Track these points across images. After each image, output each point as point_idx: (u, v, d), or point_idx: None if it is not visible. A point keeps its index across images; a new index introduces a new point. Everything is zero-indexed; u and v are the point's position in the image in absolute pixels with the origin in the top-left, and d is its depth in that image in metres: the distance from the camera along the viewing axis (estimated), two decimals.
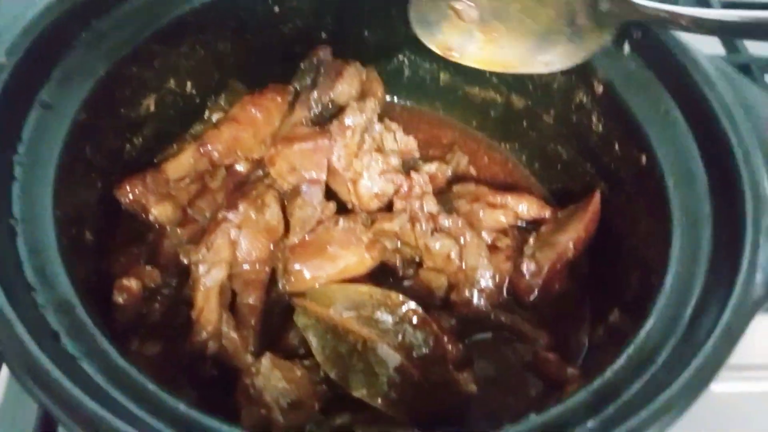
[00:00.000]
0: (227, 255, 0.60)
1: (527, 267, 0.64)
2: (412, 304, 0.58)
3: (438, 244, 0.63)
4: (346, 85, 0.70)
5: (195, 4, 0.62)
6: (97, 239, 0.59)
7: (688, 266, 0.51)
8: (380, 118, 0.71)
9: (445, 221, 0.64)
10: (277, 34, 0.70)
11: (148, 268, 0.60)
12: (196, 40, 0.66)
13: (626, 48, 0.63)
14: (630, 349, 0.47)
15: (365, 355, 0.56)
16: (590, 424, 0.41)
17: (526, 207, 0.69)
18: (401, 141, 0.69)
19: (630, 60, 0.63)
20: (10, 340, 0.40)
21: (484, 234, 0.66)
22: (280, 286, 0.62)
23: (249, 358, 0.57)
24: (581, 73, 0.65)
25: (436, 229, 0.64)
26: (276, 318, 0.62)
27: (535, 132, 0.75)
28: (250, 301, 0.61)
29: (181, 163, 0.66)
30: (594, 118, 0.66)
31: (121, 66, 0.59)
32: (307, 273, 0.61)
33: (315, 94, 0.70)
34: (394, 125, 0.70)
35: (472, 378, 0.58)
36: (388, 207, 0.66)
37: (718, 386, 0.68)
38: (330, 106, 0.70)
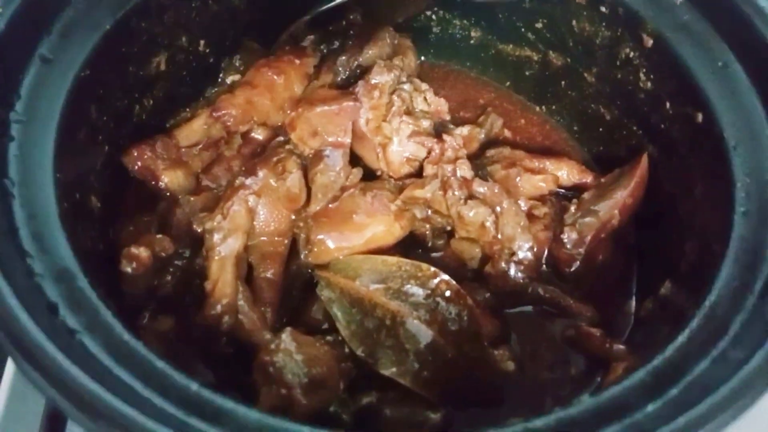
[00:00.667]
0: (244, 223, 0.55)
1: (568, 236, 0.59)
2: (445, 276, 0.54)
3: (472, 212, 0.58)
4: (376, 49, 0.66)
5: None
6: (103, 206, 0.54)
7: (754, 232, 0.46)
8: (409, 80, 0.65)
9: (480, 188, 0.59)
10: None
11: (159, 236, 0.56)
12: None
13: None
14: (693, 324, 0.42)
15: (394, 330, 0.52)
16: (651, 407, 0.36)
17: (566, 172, 0.64)
18: (432, 102, 0.64)
19: (682, 9, 0.57)
20: (2, 312, 0.36)
21: (521, 202, 0.61)
22: (302, 257, 0.57)
23: (267, 335, 0.53)
24: (627, 25, 0.60)
25: (470, 196, 0.59)
26: (297, 292, 0.58)
27: (575, 92, 0.69)
28: (269, 275, 0.56)
29: (193, 129, 0.61)
30: (642, 75, 0.61)
31: (129, 19, 0.54)
32: (331, 243, 0.57)
33: (342, 58, 0.65)
34: (424, 85, 0.65)
35: (510, 355, 0.54)
36: (419, 173, 0.61)
37: None
38: (357, 72, 0.66)
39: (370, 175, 0.62)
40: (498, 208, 0.58)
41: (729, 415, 0.35)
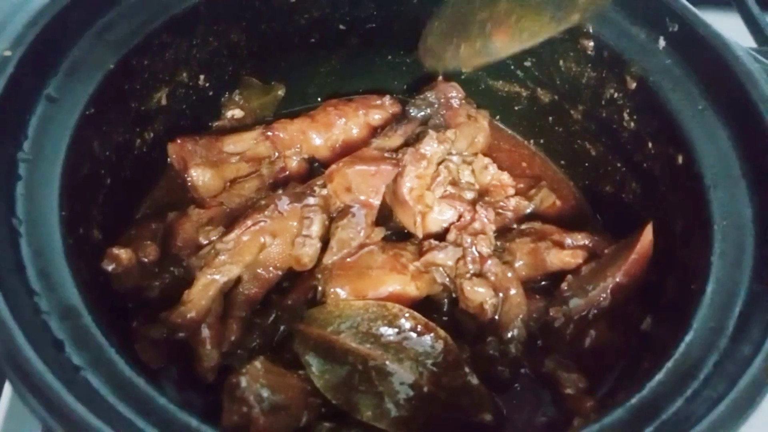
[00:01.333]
0: (249, 258, 0.57)
1: (555, 316, 0.59)
2: (409, 312, 0.55)
3: (474, 290, 0.58)
4: (463, 140, 0.67)
5: None
6: (105, 238, 0.56)
7: (730, 273, 0.48)
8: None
9: (492, 267, 0.59)
10: (293, 24, 0.67)
11: (147, 242, 0.57)
12: (208, 31, 0.63)
13: (661, 42, 0.59)
14: (670, 363, 0.44)
15: (367, 374, 0.53)
16: None
17: (590, 244, 0.62)
18: (493, 176, 0.66)
19: (665, 54, 0.60)
20: (9, 349, 0.37)
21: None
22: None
23: (213, 354, 0.54)
24: (612, 67, 0.62)
25: (480, 274, 0.59)
26: (285, 325, 0.58)
27: (561, 127, 0.72)
28: (251, 292, 0.58)
29: (242, 139, 0.65)
30: (626, 114, 0.63)
31: (131, 57, 0.56)
32: (343, 296, 0.57)
33: (419, 130, 0.66)
34: (486, 160, 0.67)
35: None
36: (442, 235, 0.62)
37: None
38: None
39: (398, 235, 0.64)
40: (502, 295, 0.58)
41: None
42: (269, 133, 0.65)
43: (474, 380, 0.54)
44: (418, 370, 0.53)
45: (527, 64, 0.70)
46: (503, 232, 0.64)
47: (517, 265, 0.61)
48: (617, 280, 0.58)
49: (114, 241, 0.57)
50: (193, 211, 0.61)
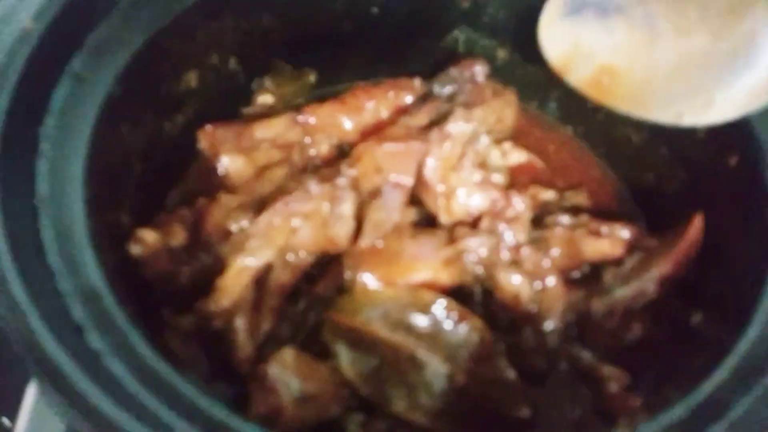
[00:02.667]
0: (281, 242, 0.55)
1: (596, 308, 0.56)
2: (445, 299, 0.53)
3: (509, 279, 0.56)
4: (490, 116, 0.64)
5: None
6: (134, 222, 0.54)
7: None
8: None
9: (528, 256, 0.57)
10: (326, 9, 0.65)
11: (177, 226, 0.55)
12: (240, 13, 0.61)
13: None
14: (731, 360, 0.40)
15: (399, 365, 0.51)
16: None
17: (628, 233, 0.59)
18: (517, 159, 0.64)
19: None
20: (25, 332, 0.35)
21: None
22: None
23: (248, 344, 0.52)
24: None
25: (515, 262, 0.57)
26: (315, 314, 0.56)
27: (602, 113, 0.68)
28: (283, 281, 0.56)
29: (272, 125, 0.63)
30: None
31: (161, 37, 0.54)
32: (372, 284, 0.55)
33: (444, 107, 0.64)
34: (507, 145, 0.64)
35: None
36: (473, 222, 0.59)
37: None
38: None
39: (427, 219, 0.61)
40: (541, 285, 0.56)
41: None
42: (300, 118, 0.63)
43: (510, 374, 0.52)
44: (452, 362, 0.51)
45: None
46: (537, 221, 0.61)
47: (552, 254, 0.58)
48: (665, 271, 0.54)
49: (144, 225, 0.56)
50: (223, 197, 0.59)
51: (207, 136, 0.62)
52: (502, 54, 0.71)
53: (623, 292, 0.56)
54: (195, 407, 0.36)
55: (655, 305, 0.55)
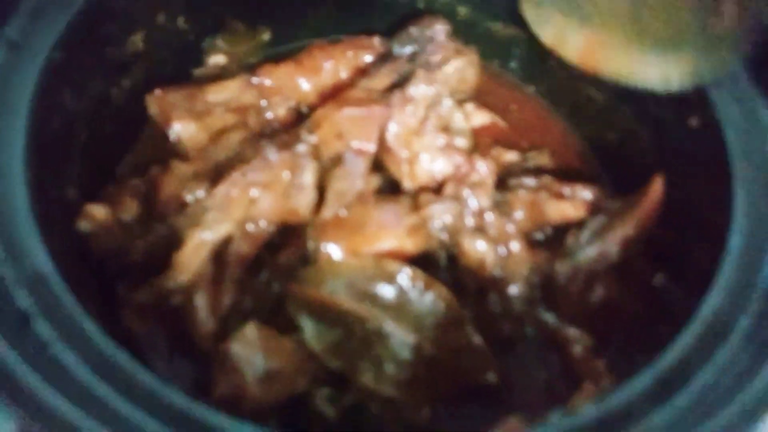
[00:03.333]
0: (239, 214, 0.53)
1: (560, 270, 0.55)
2: (410, 270, 0.52)
3: (473, 245, 0.55)
4: (452, 75, 0.63)
5: None
6: (82, 197, 0.52)
7: (757, 228, 0.45)
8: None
9: (492, 221, 0.56)
10: None
11: (126, 198, 0.54)
12: None
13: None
14: (695, 326, 0.40)
15: (365, 336, 0.50)
16: (658, 417, 0.35)
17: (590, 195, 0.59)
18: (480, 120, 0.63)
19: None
20: None
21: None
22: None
23: (209, 320, 0.51)
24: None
25: (480, 227, 0.56)
26: (279, 286, 0.55)
27: (564, 72, 0.67)
28: (242, 251, 0.54)
29: (226, 88, 0.61)
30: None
31: None
32: (336, 255, 0.54)
33: (406, 67, 0.62)
34: (470, 106, 0.63)
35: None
36: (437, 188, 0.58)
37: None
38: None
39: (390, 186, 0.60)
40: (505, 250, 0.55)
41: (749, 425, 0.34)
42: (254, 80, 0.61)
43: (477, 340, 0.52)
44: (419, 331, 0.51)
45: None
46: (500, 183, 0.60)
47: (516, 218, 0.58)
48: (627, 232, 0.54)
49: (93, 198, 0.53)
50: (177, 165, 0.56)
51: (157, 101, 0.59)
52: (463, 11, 0.69)
53: (586, 255, 0.55)
54: (154, 396, 0.35)
55: (619, 267, 0.55)
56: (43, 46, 0.47)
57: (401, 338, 0.50)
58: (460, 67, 0.63)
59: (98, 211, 0.50)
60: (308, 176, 0.55)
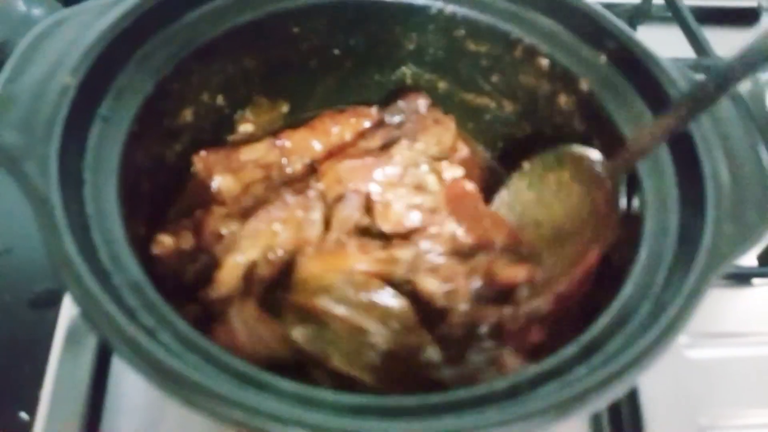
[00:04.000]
0: (264, 243, 0.68)
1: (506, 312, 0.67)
2: (378, 282, 0.66)
3: (426, 283, 0.68)
4: (431, 140, 0.78)
5: (226, 27, 0.71)
6: (147, 233, 0.67)
7: (659, 241, 0.60)
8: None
9: (448, 267, 0.69)
10: (296, 50, 0.79)
11: (185, 232, 0.69)
12: (227, 59, 0.74)
13: (602, 58, 0.72)
14: (611, 312, 0.55)
15: (340, 331, 0.63)
16: (581, 370, 0.50)
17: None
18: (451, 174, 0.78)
19: (606, 68, 0.72)
20: (104, 316, 0.48)
21: None
22: None
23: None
24: (565, 81, 0.74)
25: (435, 270, 0.69)
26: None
27: (522, 134, 0.83)
28: (264, 273, 0.69)
29: (255, 149, 0.76)
30: (576, 120, 0.75)
31: (165, 82, 0.67)
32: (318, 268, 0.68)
33: (395, 133, 0.78)
34: (445, 163, 0.78)
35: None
36: (405, 235, 0.73)
37: (695, 352, 0.79)
38: None
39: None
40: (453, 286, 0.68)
41: (632, 374, 0.49)
42: (278, 143, 0.77)
43: (428, 338, 0.64)
44: (384, 330, 0.63)
45: (494, 79, 0.82)
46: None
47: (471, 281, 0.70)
48: (561, 290, 0.67)
49: (153, 235, 0.68)
50: (216, 208, 0.72)
51: (201, 160, 0.75)
52: (442, 85, 0.86)
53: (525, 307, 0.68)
54: (224, 361, 0.49)
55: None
56: (125, 120, 0.63)
57: (369, 335, 0.62)
58: (438, 134, 0.79)
59: (167, 240, 0.66)
60: (317, 214, 0.71)
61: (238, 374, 0.49)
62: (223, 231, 0.70)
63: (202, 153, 0.75)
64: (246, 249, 0.68)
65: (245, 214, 0.71)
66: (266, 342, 0.63)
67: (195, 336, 0.51)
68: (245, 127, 0.81)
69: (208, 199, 0.75)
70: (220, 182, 0.74)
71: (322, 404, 0.48)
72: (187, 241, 0.68)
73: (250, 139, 0.79)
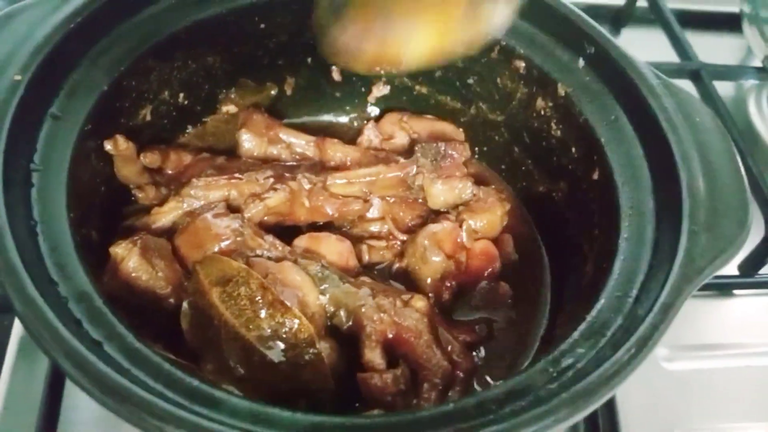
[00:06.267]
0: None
1: None
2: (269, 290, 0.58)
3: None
4: (447, 191, 0.75)
5: (188, 22, 0.68)
6: (100, 239, 0.64)
7: (634, 252, 0.58)
8: None
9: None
10: (263, 47, 0.76)
11: (155, 150, 0.71)
12: (188, 55, 0.71)
13: (580, 62, 0.70)
14: (582, 326, 0.53)
15: (220, 331, 0.56)
16: (549, 386, 0.48)
17: None
18: None
19: (584, 73, 0.70)
20: (46, 327, 0.45)
21: None
22: None
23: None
24: (542, 84, 0.72)
25: None
26: None
27: (501, 137, 0.82)
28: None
29: (299, 137, 0.77)
30: (553, 124, 0.73)
31: (121, 80, 0.64)
32: None
33: (414, 169, 0.74)
34: None
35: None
36: None
37: (674, 365, 0.77)
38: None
39: None
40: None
41: (603, 391, 0.47)
42: (321, 143, 0.76)
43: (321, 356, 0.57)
44: (268, 342, 0.56)
45: (470, 81, 0.80)
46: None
47: None
48: None
49: (108, 242, 0.65)
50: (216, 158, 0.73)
51: (247, 112, 0.76)
52: (419, 88, 0.84)
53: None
54: (174, 378, 0.46)
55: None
56: (78, 119, 0.60)
57: (249, 343, 0.56)
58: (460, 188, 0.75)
59: (122, 141, 0.66)
60: (275, 197, 0.69)
61: (190, 391, 0.46)
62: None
63: (251, 110, 0.76)
64: (188, 197, 0.67)
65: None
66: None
67: (145, 350, 0.48)
68: (228, 108, 0.78)
69: None
70: (244, 139, 0.75)
71: (278, 423, 0.45)
72: (153, 160, 0.69)
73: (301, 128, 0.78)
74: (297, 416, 0.46)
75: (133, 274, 0.59)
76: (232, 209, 0.68)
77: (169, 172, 0.71)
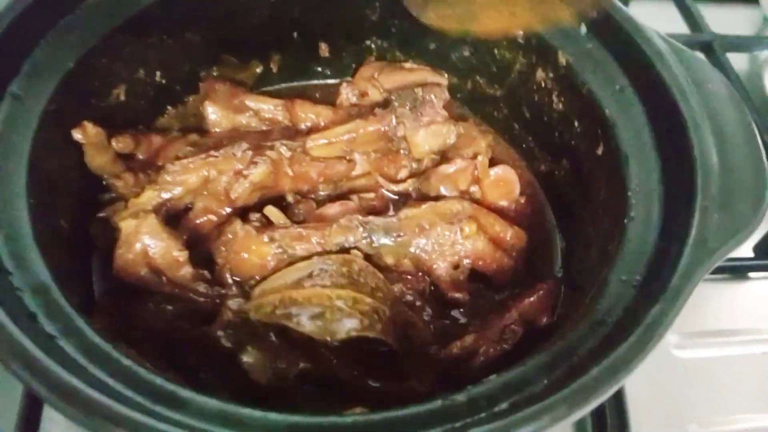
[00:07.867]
0: (193, 185, 0.64)
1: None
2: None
3: None
4: (430, 138, 0.71)
5: None
6: (72, 229, 0.60)
7: (641, 233, 0.53)
8: None
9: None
10: (246, 24, 0.72)
11: (126, 135, 0.66)
12: (163, 31, 0.67)
13: (582, 28, 0.65)
14: (583, 314, 0.49)
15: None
16: (545, 382, 0.43)
17: None
18: None
19: (586, 39, 0.65)
20: None
21: None
22: None
23: None
24: (542, 54, 0.68)
25: None
26: None
27: (500, 113, 0.77)
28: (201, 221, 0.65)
29: (266, 102, 0.72)
30: (554, 97, 0.68)
31: (89, 58, 0.60)
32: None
33: (393, 120, 0.70)
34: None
35: None
36: None
37: (685, 353, 0.73)
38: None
39: None
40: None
41: (605, 386, 0.42)
42: (290, 105, 0.71)
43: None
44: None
45: (466, 53, 0.75)
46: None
47: None
48: (508, 321, 0.61)
49: (80, 231, 0.61)
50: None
51: (208, 84, 0.71)
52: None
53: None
54: (136, 377, 0.43)
55: None
56: (40, 99, 0.56)
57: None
58: (447, 133, 0.71)
59: (91, 128, 0.62)
60: (257, 171, 0.65)
61: (153, 390, 0.42)
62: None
63: (212, 79, 0.72)
64: (166, 184, 0.63)
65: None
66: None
67: (104, 345, 0.44)
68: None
69: None
70: (209, 111, 0.70)
71: (250, 425, 0.42)
72: (125, 145, 0.65)
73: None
74: (270, 416, 0.42)
75: (147, 240, 0.59)
76: (214, 192, 0.64)
77: (140, 156, 0.67)
